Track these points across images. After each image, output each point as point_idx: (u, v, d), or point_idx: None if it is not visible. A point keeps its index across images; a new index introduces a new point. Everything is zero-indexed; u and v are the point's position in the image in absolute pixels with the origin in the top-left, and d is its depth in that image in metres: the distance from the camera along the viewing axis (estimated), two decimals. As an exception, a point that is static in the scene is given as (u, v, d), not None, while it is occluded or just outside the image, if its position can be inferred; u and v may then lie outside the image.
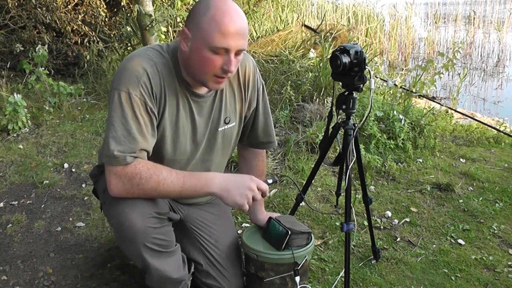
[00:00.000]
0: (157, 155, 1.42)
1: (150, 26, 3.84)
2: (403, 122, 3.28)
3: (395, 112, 3.32)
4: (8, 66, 4.92)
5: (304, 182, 1.97)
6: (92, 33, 5.49)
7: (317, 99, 3.77)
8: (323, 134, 1.92)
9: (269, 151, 3.00)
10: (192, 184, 1.33)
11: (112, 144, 1.29)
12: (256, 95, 1.60)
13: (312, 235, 1.66)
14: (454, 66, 3.71)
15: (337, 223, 2.31)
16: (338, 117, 1.76)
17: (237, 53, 1.30)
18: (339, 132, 1.79)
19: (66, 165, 2.91)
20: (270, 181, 1.45)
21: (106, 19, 5.79)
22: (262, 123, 1.66)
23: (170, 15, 4.00)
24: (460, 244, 2.20)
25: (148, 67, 1.33)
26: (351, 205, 1.71)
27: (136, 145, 1.30)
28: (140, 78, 1.30)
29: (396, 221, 2.39)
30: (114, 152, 1.28)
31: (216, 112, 1.50)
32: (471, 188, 2.80)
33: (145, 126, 1.32)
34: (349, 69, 1.62)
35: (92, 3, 5.64)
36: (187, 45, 1.32)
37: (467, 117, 4.16)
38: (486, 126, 3.84)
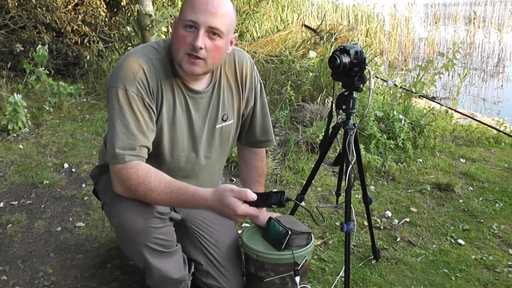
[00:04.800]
0: (156, 152, 1.42)
1: (150, 26, 3.84)
2: (403, 122, 3.28)
3: (395, 112, 3.32)
4: (8, 66, 4.92)
5: (304, 182, 1.97)
6: (92, 33, 5.49)
7: (318, 99, 3.77)
8: (323, 134, 1.93)
9: (269, 151, 3.00)
10: (178, 202, 1.30)
11: (112, 142, 1.31)
12: (253, 93, 1.60)
13: (312, 235, 1.66)
14: (454, 66, 3.71)
15: (337, 223, 2.31)
16: (338, 117, 1.76)
17: (210, 32, 1.29)
18: (339, 132, 1.79)
19: (66, 165, 2.91)
20: (274, 206, 1.21)
21: (106, 19, 5.79)
22: (260, 122, 1.67)
23: (170, 15, 4.00)
24: (460, 244, 2.20)
25: (143, 63, 1.34)
26: (351, 205, 1.71)
27: (135, 141, 1.31)
28: (136, 75, 1.32)
29: (396, 221, 2.39)
30: (114, 150, 1.30)
31: (214, 108, 1.50)
32: (471, 188, 2.80)
33: (144, 122, 1.33)
34: (349, 69, 1.62)
35: (92, 3, 5.63)
36: (172, 30, 1.36)
37: (467, 117, 4.16)
38: (486, 126, 3.84)
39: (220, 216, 1.28)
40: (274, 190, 1.21)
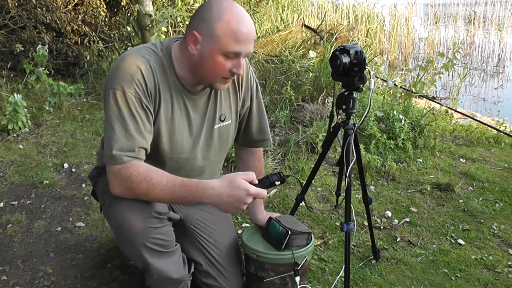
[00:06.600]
0: (155, 153, 1.42)
1: (150, 26, 3.84)
2: (403, 122, 3.28)
3: (395, 112, 3.32)
4: (8, 66, 4.92)
5: (304, 182, 1.97)
6: (92, 33, 5.49)
7: (318, 99, 3.77)
8: (323, 134, 1.93)
9: (269, 151, 3.00)
10: (182, 195, 1.31)
11: (110, 143, 1.30)
12: (249, 93, 1.61)
13: (312, 235, 1.66)
14: (454, 66, 3.71)
15: (337, 223, 2.31)
16: (338, 117, 1.76)
17: (245, 56, 1.36)
18: (340, 132, 1.79)
19: (66, 165, 2.91)
20: (277, 182, 1.37)
21: (106, 19, 5.80)
22: (257, 121, 1.67)
23: (170, 15, 4.00)
24: (460, 244, 2.20)
25: (141, 64, 1.33)
26: (351, 205, 1.71)
27: (133, 143, 1.31)
28: (134, 76, 1.31)
29: (396, 221, 2.39)
30: (112, 151, 1.29)
31: (211, 109, 1.51)
32: (471, 188, 2.80)
33: (142, 124, 1.33)
34: (349, 69, 1.62)
35: (92, 3, 5.64)
36: (195, 47, 1.33)
37: (467, 117, 4.16)
38: (486, 126, 3.84)
39: (223, 207, 1.30)
40: (271, 173, 1.34)
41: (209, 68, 1.34)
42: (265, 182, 1.36)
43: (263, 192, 1.32)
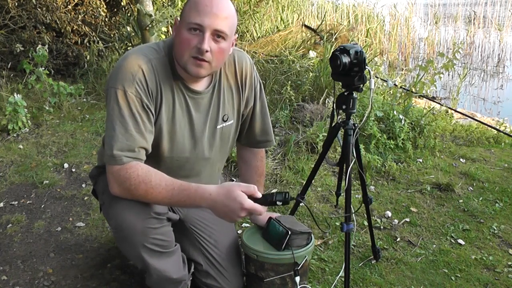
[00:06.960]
0: (155, 153, 1.42)
1: (150, 26, 3.84)
2: (403, 122, 3.28)
3: (395, 112, 3.32)
4: (8, 66, 4.92)
5: (304, 182, 1.97)
6: (92, 33, 5.49)
7: (320, 100, 3.77)
8: (323, 134, 1.92)
9: (269, 151, 3.00)
10: (180, 199, 1.30)
11: (110, 143, 1.30)
12: (253, 93, 1.60)
13: (312, 235, 1.66)
14: (454, 66, 3.71)
15: (337, 223, 2.31)
16: (338, 117, 1.76)
17: (215, 35, 1.31)
18: (340, 132, 1.79)
19: (66, 165, 2.91)
20: (279, 203, 1.30)
21: (106, 19, 5.80)
22: (260, 122, 1.67)
23: (170, 15, 4.00)
24: (460, 244, 2.20)
25: (143, 64, 1.33)
26: (351, 205, 1.71)
27: (133, 143, 1.31)
28: (135, 75, 1.31)
29: (396, 221, 2.39)
30: (112, 151, 1.29)
31: (214, 109, 1.50)
32: (471, 188, 2.80)
33: (142, 123, 1.33)
34: (349, 69, 1.62)
35: (92, 3, 5.64)
36: (175, 32, 1.37)
37: (467, 117, 4.16)
38: (486, 126, 3.84)
39: (219, 214, 1.30)
40: (277, 191, 1.26)
41: (178, 45, 1.33)
42: (267, 200, 1.30)
43: (259, 208, 1.27)
